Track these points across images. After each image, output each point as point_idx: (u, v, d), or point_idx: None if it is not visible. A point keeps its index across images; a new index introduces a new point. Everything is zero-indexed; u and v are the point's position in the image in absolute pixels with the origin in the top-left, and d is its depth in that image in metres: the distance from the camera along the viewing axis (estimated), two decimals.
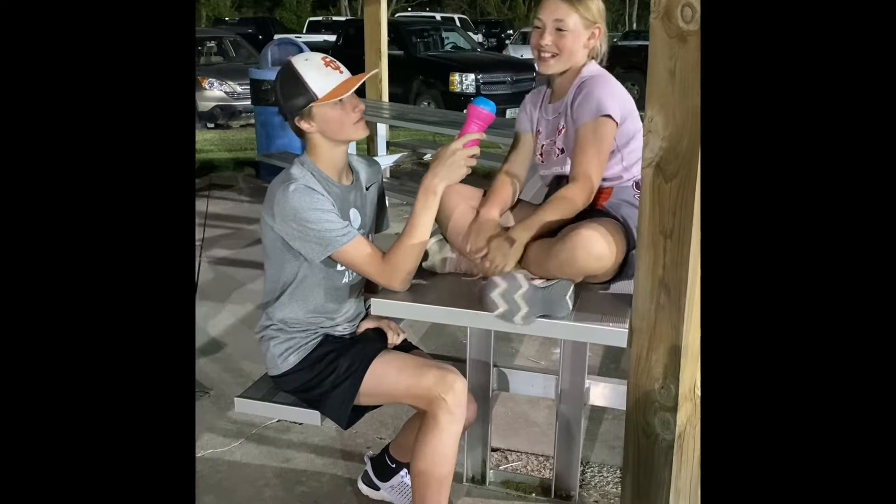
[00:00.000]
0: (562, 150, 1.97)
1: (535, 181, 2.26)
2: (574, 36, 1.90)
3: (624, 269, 1.81)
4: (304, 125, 1.88)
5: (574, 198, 1.84)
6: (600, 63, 2.00)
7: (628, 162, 1.91)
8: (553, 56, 1.92)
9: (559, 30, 1.90)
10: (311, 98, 1.84)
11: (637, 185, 1.91)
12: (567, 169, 1.96)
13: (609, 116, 1.85)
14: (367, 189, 2.07)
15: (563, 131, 1.96)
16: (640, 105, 1.51)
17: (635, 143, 1.90)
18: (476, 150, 1.84)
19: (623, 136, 1.90)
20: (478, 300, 1.69)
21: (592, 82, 1.90)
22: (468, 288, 1.87)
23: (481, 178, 4.97)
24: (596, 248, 1.69)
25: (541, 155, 2.05)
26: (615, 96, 1.88)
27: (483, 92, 9.45)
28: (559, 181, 2.01)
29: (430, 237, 1.96)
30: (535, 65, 1.97)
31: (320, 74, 1.85)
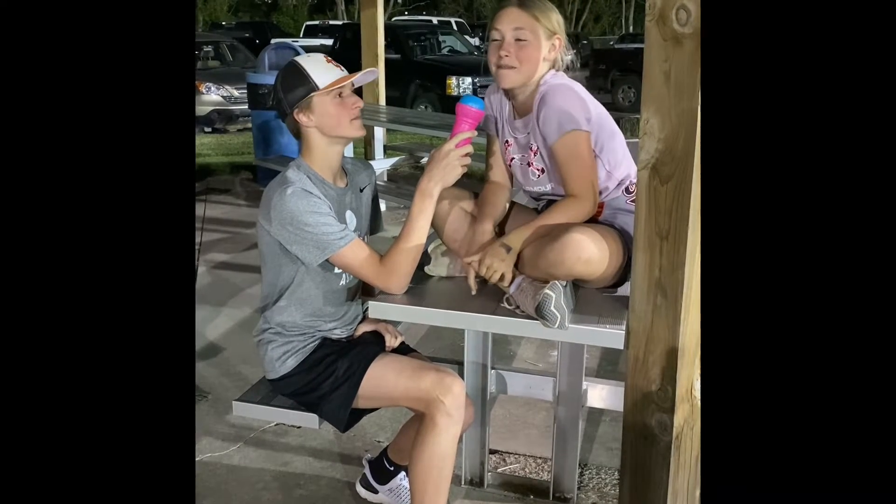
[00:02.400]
0: (542, 171, 1.95)
1: None
2: (534, 47, 1.84)
3: (626, 276, 1.82)
4: (302, 118, 1.89)
5: (576, 208, 1.84)
6: (566, 71, 1.95)
7: (611, 164, 1.90)
8: (513, 68, 1.85)
9: (519, 40, 1.84)
10: (312, 88, 1.86)
11: (627, 190, 1.92)
12: (551, 187, 1.95)
13: (576, 129, 1.82)
14: (361, 191, 2.07)
15: (538, 152, 1.93)
16: (638, 107, 1.52)
17: (613, 143, 1.89)
18: (470, 149, 1.85)
19: (598, 141, 1.87)
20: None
21: (550, 96, 1.84)
22: (466, 290, 1.87)
23: (478, 180, 4.98)
24: (585, 252, 1.70)
25: (509, 165, 2.03)
26: (575, 106, 1.83)
27: (480, 95, 9.42)
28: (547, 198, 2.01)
29: (431, 242, 1.97)
30: (495, 79, 1.91)
31: (322, 68, 1.89)
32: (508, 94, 1.98)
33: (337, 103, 1.89)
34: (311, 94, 1.86)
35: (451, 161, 1.83)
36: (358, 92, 1.97)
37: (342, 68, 1.93)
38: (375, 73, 2.04)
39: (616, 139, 1.91)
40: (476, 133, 1.85)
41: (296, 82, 1.87)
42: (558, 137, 1.83)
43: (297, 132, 1.93)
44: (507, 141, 2.02)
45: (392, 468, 2.27)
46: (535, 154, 1.94)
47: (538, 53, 1.86)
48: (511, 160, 2.02)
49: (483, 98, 1.95)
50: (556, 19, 1.89)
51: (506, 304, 1.78)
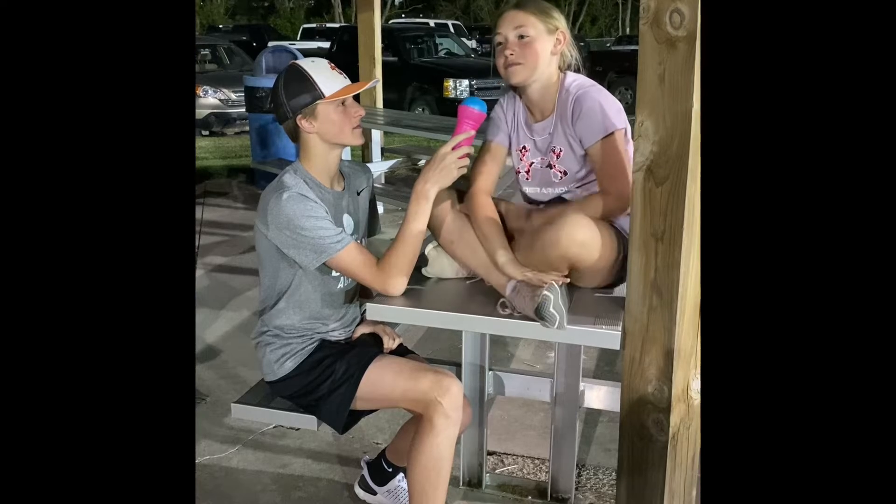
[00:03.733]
0: (564, 173, 1.95)
1: (505, 179, 2.25)
2: (538, 42, 1.86)
3: (622, 277, 1.82)
4: (305, 124, 1.89)
5: (611, 203, 1.84)
6: (576, 72, 1.96)
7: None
8: (520, 65, 1.86)
9: (522, 37, 1.86)
10: (318, 96, 1.86)
11: None
12: (568, 188, 1.96)
13: (616, 129, 1.84)
14: (358, 194, 2.08)
15: (562, 154, 1.93)
16: (634, 109, 1.53)
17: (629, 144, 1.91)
18: (469, 150, 1.85)
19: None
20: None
21: (585, 97, 1.86)
22: (463, 292, 1.88)
23: None
24: (580, 233, 1.69)
25: (527, 173, 2.02)
26: (612, 105, 1.86)
27: (479, 97, 9.42)
28: (561, 202, 2.01)
29: (427, 244, 1.97)
30: (504, 79, 1.92)
31: (327, 75, 1.89)
32: (523, 96, 1.99)
33: (340, 111, 1.89)
34: (317, 101, 1.87)
35: (447, 164, 1.84)
36: (356, 97, 1.97)
37: (345, 75, 1.93)
38: (377, 82, 2.06)
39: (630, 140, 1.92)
40: (475, 133, 1.86)
41: (300, 88, 1.87)
42: (601, 138, 1.84)
43: (295, 136, 1.94)
44: (523, 147, 2.02)
45: (390, 469, 2.28)
46: (558, 156, 1.94)
47: (542, 48, 1.87)
48: (530, 165, 2.01)
49: (484, 99, 1.94)
50: (555, 15, 1.91)
51: (500, 309, 1.77)
